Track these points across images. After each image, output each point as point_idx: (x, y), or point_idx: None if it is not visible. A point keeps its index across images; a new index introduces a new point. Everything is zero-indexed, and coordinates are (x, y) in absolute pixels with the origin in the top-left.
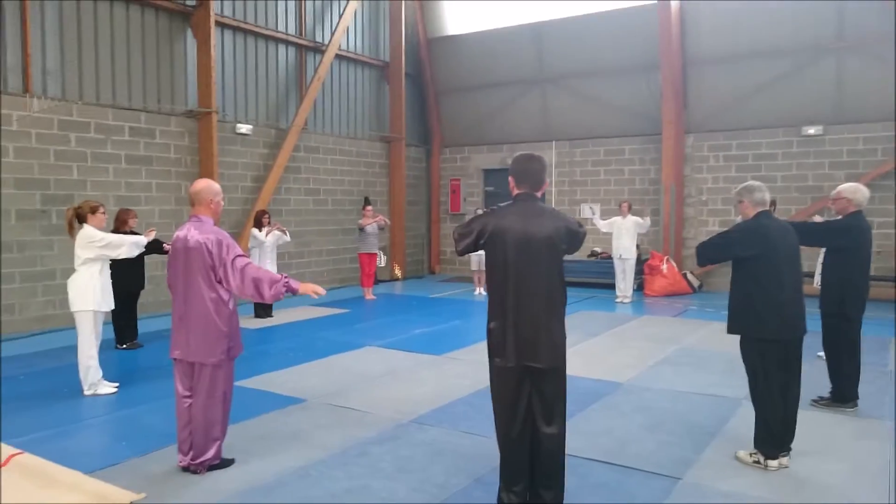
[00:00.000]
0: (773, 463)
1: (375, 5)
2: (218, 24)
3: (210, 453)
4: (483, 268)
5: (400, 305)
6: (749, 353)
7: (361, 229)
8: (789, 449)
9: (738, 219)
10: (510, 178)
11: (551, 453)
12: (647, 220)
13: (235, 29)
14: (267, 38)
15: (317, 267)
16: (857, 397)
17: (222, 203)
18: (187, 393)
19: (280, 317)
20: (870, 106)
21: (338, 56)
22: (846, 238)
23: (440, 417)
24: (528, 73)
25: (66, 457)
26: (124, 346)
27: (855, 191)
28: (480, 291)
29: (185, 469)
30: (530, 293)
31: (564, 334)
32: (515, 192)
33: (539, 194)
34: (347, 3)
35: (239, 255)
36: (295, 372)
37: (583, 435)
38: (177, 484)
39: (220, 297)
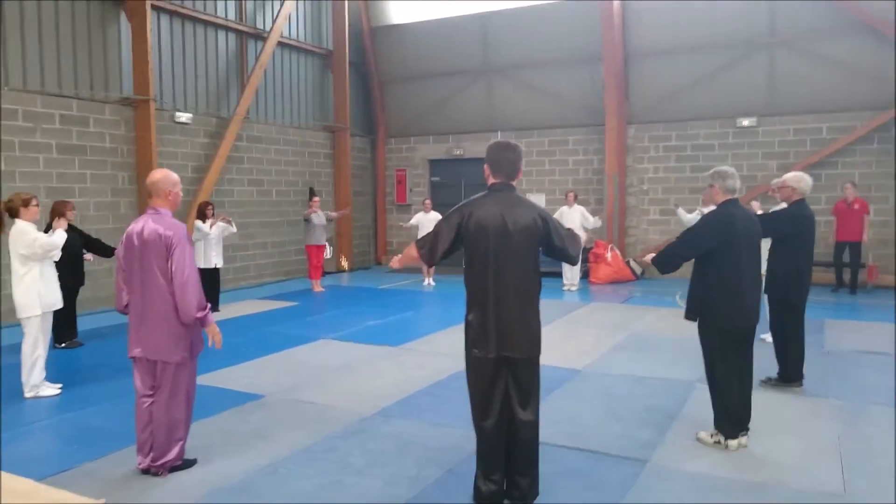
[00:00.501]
0: (732, 443)
1: None
2: (154, 8)
3: (172, 454)
4: None
5: (349, 297)
6: (708, 340)
7: (307, 220)
8: (747, 429)
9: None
10: (485, 167)
11: (527, 440)
12: (598, 220)
13: (173, 13)
14: (206, 23)
15: (262, 259)
16: (802, 377)
17: (181, 194)
18: (148, 392)
19: (227, 311)
20: (799, 99)
21: (280, 43)
22: (792, 226)
23: (404, 409)
24: (473, 64)
25: (13, 464)
26: (63, 345)
27: (799, 179)
28: (429, 282)
29: (146, 471)
30: (509, 284)
31: (540, 323)
32: (491, 181)
33: (514, 183)
34: None
35: (190, 262)
36: (250, 367)
37: (549, 422)
38: (138, 487)
39: None
